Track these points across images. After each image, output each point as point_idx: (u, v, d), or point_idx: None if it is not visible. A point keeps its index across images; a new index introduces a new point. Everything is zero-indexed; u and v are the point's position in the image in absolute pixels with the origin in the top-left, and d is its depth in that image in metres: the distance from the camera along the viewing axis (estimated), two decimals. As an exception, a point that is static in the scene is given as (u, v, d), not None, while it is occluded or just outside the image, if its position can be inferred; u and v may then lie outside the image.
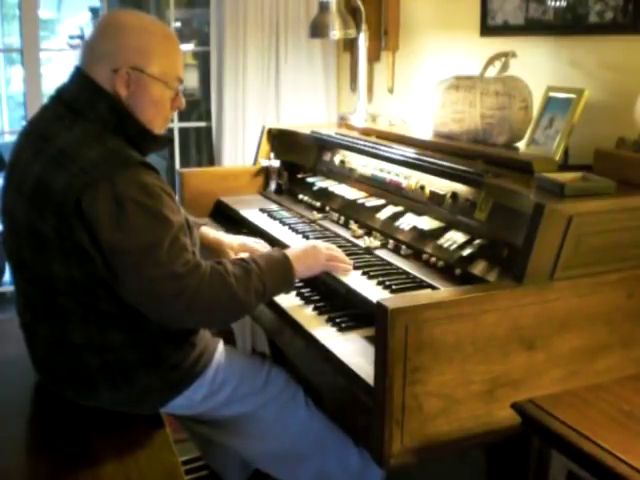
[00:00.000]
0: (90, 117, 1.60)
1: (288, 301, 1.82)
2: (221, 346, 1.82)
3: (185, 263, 1.52)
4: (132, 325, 1.62)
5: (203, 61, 3.94)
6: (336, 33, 2.71)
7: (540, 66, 2.13)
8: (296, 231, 2.23)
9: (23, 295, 1.71)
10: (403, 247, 1.91)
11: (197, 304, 1.53)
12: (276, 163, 2.76)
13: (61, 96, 1.66)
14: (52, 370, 1.70)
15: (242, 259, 1.68)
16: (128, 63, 1.60)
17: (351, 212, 2.23)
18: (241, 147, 3.23)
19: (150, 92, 1.64)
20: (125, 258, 1.49)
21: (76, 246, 1.52)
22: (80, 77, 1.64)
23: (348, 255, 1.89)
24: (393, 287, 1.69)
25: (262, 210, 2.51)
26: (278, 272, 1.69)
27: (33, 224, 1.56)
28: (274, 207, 2.56)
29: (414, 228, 1.91)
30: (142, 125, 1.65)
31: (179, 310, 1.53)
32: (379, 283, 1.73)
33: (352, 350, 1.55)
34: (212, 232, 2.10)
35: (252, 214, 2.48)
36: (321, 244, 1.85)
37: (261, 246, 2.07)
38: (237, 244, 2.06)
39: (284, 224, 2.32)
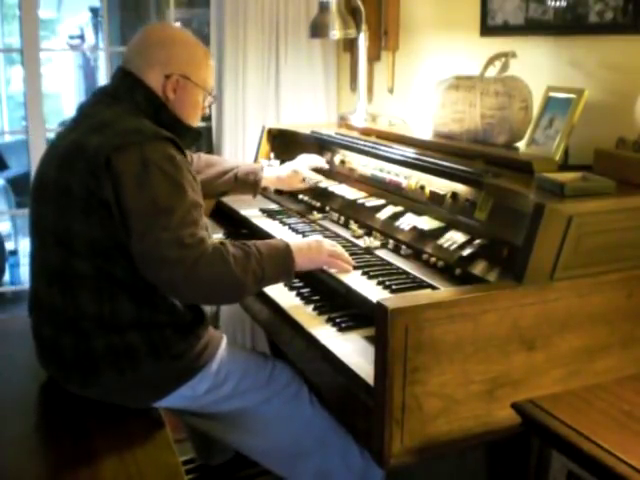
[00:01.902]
0: (128, 102, 1.76)
1: (288, 301, 1.82)
2: (225, 341, 1.85)
3: (192, 235, 1.60)
4: (143, 299, 1.68)
5: (203, 61, 3.93)
6: (336, 33, 2.71)
7: (540, 66, 2.13)
8: (296, 231, 2.24)
9: (40, 264, 1.77)
10: (403, 247, 1.91)
11: (195, 275, 1.59)
12: (276, 163, 2.76)
13: (104, 88, 1.86)
14: (57, 352, 1.71)
15: (244, 243, 1.73)
16: (179, 71, 1.80)
17: (351, 212, 2.23)
18: (241, 147, 3.23)
19: (193, 97, 1.85)
20: (139, 218, 1.58)
21: (101, 202, 1.62)
22: (121, 73, 1.82)
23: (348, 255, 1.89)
24: (393, 287, 1.69)
25: (262, 210, 2.51)
26: (278, 259, 1.72)
27: (62, 180, 1.66)
28: (274, 207, 2.56)
29: (414, 228, 1.91)
30: (176, 115, 1.82)
31: (177, 277, 1.59)
32: (379, 283, 1.73)
33: (352, 350, 1.55)
34: (271, 172, 2.44)
35: (252, 214, 2.48)
36: (325, 240, 1.87)
37: (320, 161, 2.46)
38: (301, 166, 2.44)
39: (284, 224, 2.32)
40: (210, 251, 1.61)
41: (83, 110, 1.83)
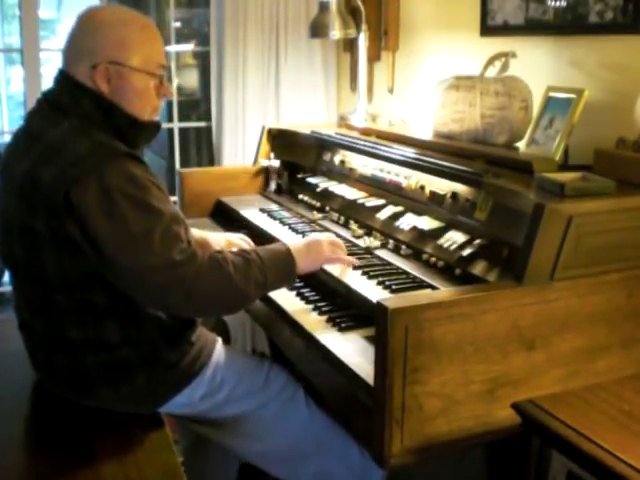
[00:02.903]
0: (76, 114, 1.60)
1: (288, 301, 1.82)
2: (220, 345, 1.82)
3: (181, 251, 1.52)
4: (128, 319, 1.63)
5: (203, 61, 3.94)
6: (336, 33, 2.72)
7: (540, 66, 2.13)
8: (296, 231, 2.24)
9: (19, 294, 1.72)
10: (403, 247, 1.91)
11: (196, 292, 1.53)
12: (276, 163, 2.76)
13: (47, 98, 1.67)
14: (51, 371, 1.70)
15: (244, 250, 1.69)
16: (106, 58, 1.60)
17: (351, 212, 2.23)
18: (241, 147, 3.24)
19: (133, 84, 1.64)
20: (117, 250, 1.49)
21: (67, 240, 1.52)
22: (62, 78, 1.65)
23: (348, 255, 1.88)
24: (393, 287, 1.69)
25: (262, 210, 2.51)
26: (279, 264, 1.68)
27: (24, 220, 1.57)
28: (274, 207, 2.56)
29: (414, 228, 1.91)
30: (129, 114, 1.64)
31: (178, 298, 1.53)
32: (379, 283, 1.73)
33: (352, 350, 1.55)
34: (197, 231, 2.10)
35: (252, 214, 2.48)
36: (323, 238, 1.84)
37: (245, 242, 2.11)
38: (223, 241, 2.10)
39: (284, 224, 2.32)
40: (207, 262, 1.55)
41: (30, 129, 1.67)
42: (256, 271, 1.61)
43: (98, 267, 1.54)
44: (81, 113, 1.60)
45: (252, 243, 2.13)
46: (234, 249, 2.07)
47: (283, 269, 1.69)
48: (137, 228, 1.49)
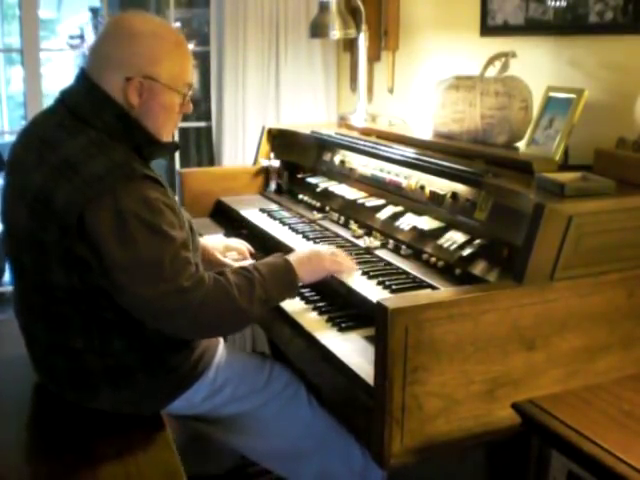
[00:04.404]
0: (95, 125, 1.57)
1: (288, 301, 1.82)
2: (222, 346, 1.82)
3: (189, 277, 1.51)
4: (132, 331, 1.62)
5: (203, 61, 3.94)
6: (336, 33, 2.72)
7: (540, 66, 2.13)
8: (296, 231, 2.23)
9: (22, 299, 1.71)
10: (403, 247, 1.91)
11: (202, 317, 1.53)
12: (276, 163, 2.76)
13: (65, 100, 1.64)
14: (52, 373, 1.70)
15: (244, 268, 1.67)
16: (141, 72, 1.58)
17: (351, 212, 2.23)
18: (241, 147, 3.24)
19: (161, 100, 1.63)
20: (129, 274, 1.48)
21: (78, 258, 1.52)
22: (86, 82, 1.61)
23: (348, 255, 1.89)
24: (393, 287, 1.69)
25: (262, 210, 2.51)
26: (281, 279, 1.67)
27: (34, 233, 1.55)
28: (274, 207, 2.56)
29: (414, 228, 1.91)
30: (149, 133, 1.63)
31: (184, 323, 1.53)
32: (379, 283, 1.73)
33: (352, 350, 1.55)
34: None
35: (252, 214, 2.48)
36: (324, 249, 1.83)
37: (244, 246, 2.12)
38: (222, 246, 2.10)
39: (284, 224, 2.32)
40: (212, 287, 1.54)
41: (44, 135, 1.61)
42: (259, 290, 1.60)
43: (107, 287, 1.53)
44: (101, 125, 1.57)
45: (250, 247, 2.14)
46: (233, 253, 2.09)
47: (285, 284, 1.68)
48: (147, 254, 1.48)
